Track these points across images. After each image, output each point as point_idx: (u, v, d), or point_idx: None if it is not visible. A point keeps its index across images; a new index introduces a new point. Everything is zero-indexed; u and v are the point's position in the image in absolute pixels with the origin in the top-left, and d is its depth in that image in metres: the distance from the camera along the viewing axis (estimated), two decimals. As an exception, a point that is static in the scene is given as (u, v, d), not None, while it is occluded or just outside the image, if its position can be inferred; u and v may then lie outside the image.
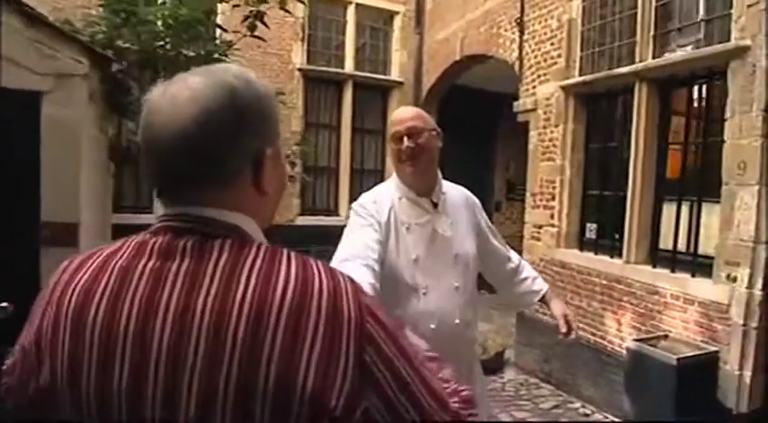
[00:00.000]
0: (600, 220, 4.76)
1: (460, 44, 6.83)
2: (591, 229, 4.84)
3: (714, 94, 3.75)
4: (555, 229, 5.04)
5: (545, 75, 5.17)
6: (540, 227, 5.25)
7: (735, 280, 3.41)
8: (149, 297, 0.64)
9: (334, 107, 7.90)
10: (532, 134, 5.41)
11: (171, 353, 0.61)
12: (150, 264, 0.66)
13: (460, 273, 1.81)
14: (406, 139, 1.75)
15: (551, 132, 5.11)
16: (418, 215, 1.80)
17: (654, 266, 4.08)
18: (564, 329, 1.97)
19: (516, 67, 5.62)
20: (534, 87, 5.34)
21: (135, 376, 0.62)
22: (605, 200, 4.69)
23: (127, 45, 3.59)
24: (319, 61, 7.76)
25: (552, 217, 5.09)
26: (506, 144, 8.66)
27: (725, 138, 3.51)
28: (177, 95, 0.68)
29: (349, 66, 7.84)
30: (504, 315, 7.36)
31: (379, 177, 8.12)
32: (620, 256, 4.35)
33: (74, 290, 0.68)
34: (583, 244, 4.84)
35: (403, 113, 1.84)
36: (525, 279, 2.08)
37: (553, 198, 5.08)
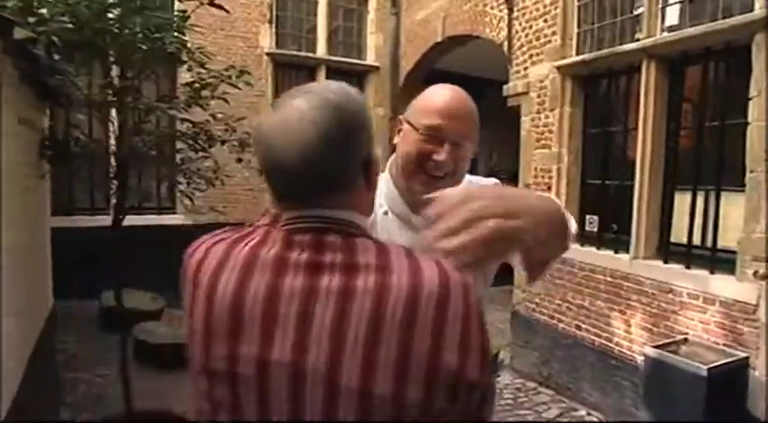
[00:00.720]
0: (602, 211, 4.40)
1: (442, 24, 6.37)
2: (591, 222, 4.48)
3: (733, 71, 3.40)
4: (552, 222, 4.66)
5: (538, 55, 4.77)
6: (535, 220, 4.87)
7: (764, 277, 3.07)
8: (306, 282, 0.73)
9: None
10: (524, 120, 5.01)
11: (333, 330, 0.69)
12: (281, 253, 0.76)
13: None
14: (446, 146, 1.12)
15: (546, 117, 4.72)
16: (406, 240, 1.11)
17: (665, 262, 3.73)
18: None
19: (505, 47, 5.20)
20: (526, 69, 4.93)
21: (297, 349, 0.70)
22: (607, 190, 4.33)
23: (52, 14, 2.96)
24: (289, 45, 7.21)
25: (548, 209, 4.71)
26: (489, 132, 8.23)
27: (749, 119, 3.17)
28: (289, 119, 0.76)
29: (321, 50, 7.31)
30: (492, 311, 7.03)
31: (357, 169, 7.67)
32: (626, 250, 3.99)
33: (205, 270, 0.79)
34: (583, 238, 4.47)
35: (452, 103, 1.17)
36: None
37: (549, 188, 4.70)
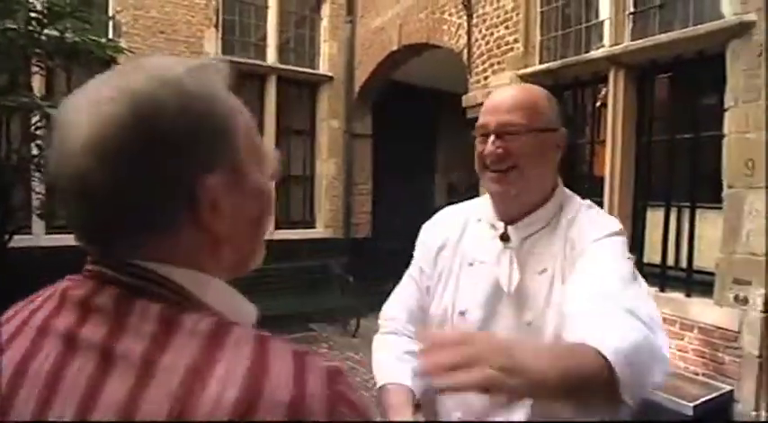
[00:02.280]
0: (568, 229, 4.14)
1: (398, 33, 6.09)
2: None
3: (707, 80, 3.20)
4: (515, 241, 4.39)
5: (499, 63, 4.52)
6: (498, 238, 4.58)
7: (745, 301, 2.85)
8: (55, 364, 0.48)
9: (256, 105, 6.91)
10: (485, 132, 4.74)
11: None
12: (64, 324, 0.50)
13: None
14: (493, 138, 1.10)
15: (508, 129, 4.46)
16: (486, 250, 1.17)
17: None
18: None
19: (464, 55, 4.94)
20: (486, 78, 4.67)
21: None
22: (575, 206, 4.07)
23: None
24: (238, 52, 6.77)
25: (512, 226, 4.43)
26: (448, 145, 8.04)
27: (725, 131, 2.96)
28: (69, 112, 0.51)
29: (272, 58, 6.90)
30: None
31: (308, 185, 7.24)
32: (596, 271, 3.73)
33: None
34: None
35: (499, 98, 1.15)
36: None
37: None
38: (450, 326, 1.19)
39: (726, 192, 2.94)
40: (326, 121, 7.24)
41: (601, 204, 3.67)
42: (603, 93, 3.80)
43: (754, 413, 2.81)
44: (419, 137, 7.89)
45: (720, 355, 2.96)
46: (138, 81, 0.50)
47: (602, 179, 3.70)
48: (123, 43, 5.20)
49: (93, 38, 4.02)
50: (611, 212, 3.59)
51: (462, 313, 1.17)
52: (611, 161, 3.59)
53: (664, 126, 3.53)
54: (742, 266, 2.86)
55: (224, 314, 0.53)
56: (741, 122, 2.86)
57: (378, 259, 7.50)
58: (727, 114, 2.95)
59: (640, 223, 3.57)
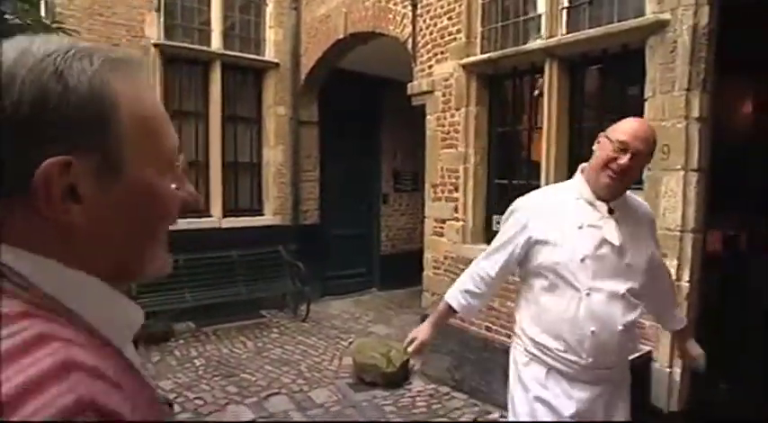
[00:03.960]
0: (509, 211, 4.40)
1: (344, 21, 6.16)
2: (498, 222, 4.46)
3: (630, 72, 3.49)
4: (460, 224, 4.61)
5: (443, 53, 4.70)
6: (444, 221, 4.80)
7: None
8: None
9: (201, 92, 6.82)
10: (430, 119, 4.93)
11: None
12: None
13: (629, 282, 1.82)
14: (626, 155, 1.75)
15: (452, 117, 4.66)
16: (592, 218, 1.83)
17: (572, 260, 3.78)
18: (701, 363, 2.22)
19: (409, 45, 5.09)
20: (431, 67, 4.85)
21: None
22: (515, 190, 4.33)
23: None
24: (180, 37, 6.63)
25: (456, 210, 4.65)
26: (393, 132, 8.20)
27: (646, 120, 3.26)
28: None
29: (216, 43, 6.80)
30: (400, 314, 6.94)
31: (256, 171, 7.23)
32: (533, 249, 4.01)
33: None
34: (491, 239, 4.45)
35: (639, 128, 1.81)
36: (674, 304, 2.29)
37: (456, 189, 4.65)
38: (576, 267, 1.78)
39: (645, 174, 3.24)
40: (273, 108, 7.23)
41: (538, 187, 3.94)
42: (540, 83, 4.06)
43: (668, 370, 3.16)
44: (365, 124, 8.01)
45: (642, 320, 3.28)
46: (6, 55, 0.51)
47: (539, 164, 3.96)
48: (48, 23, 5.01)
49: (36, 20, 3.88)
50: (546, 194, 3.88)
51: (582, 260, 1.78)
52: (548, 147, 3.86)
53: (594, 114, 3.83)
54: (660, 241, 3.17)
55: (84, 313, 0.52)
56: (658, 111, 3.17)
57: (326, 245, 7.61)
58: (646, 104, 3.24)
59: (573, 204, 3.86)
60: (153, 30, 6.26)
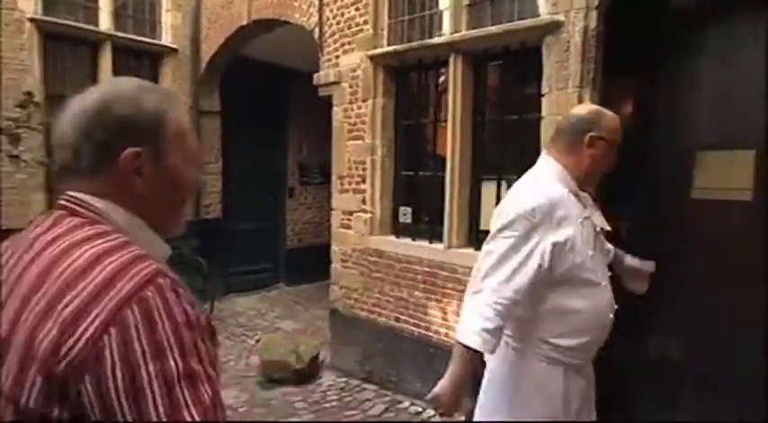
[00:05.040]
0: (416, 202, 4.47)
1: (248, 7, 5.92)
2: (405, 214, 4.53)
3: (529, 69, 3.65)
4: (368, 215, 4.62)
5: (350, 43, 4.66)
6: (351, 213, 4.77)
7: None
8: (18, 263, 0.79)
9: (89, 77, 6.25)
10: (336, 110, 4.87)
11: (22, 299, 0.74)
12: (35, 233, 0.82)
13: (606, 265, 1.94)
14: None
15: (359, 108, 4.64)
16: (582, 210, 1.82)
17: (477, 249, 3.90)
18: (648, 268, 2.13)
19: (316, 34, 4.99)
20: (338, 58, 4.79)
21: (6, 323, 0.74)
22: (421, 181, 4.41)
23: None
24: (62, 13, 6.02)
25: (364, 202, 4.65)
26: (298, 124, 8.03)
27: (543, 114, 3.43)
28: (71, 102, 0.88)
29: (105, 23, 6.26)
30: (308, 308, 6.84)
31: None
32: (440, 240, 4.10)
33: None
34: (399, 230, 4.50)
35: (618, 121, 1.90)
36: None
37: (363, 181, 4.64)
38: (591, 263, 1.78)
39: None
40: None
41: (443, 179, 4.04)
42: (444, 77, 4.14)
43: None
44: (270, 115, 7.77)
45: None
46: (105, 91, 0.87)
47: (444, 157, 4.05)
48: None
49: None
50: (452, 186, 3.98)
51: (592, 254, 1.79)
52: (452, 140, 3.95)
53: (495, 108, 3.97)
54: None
55: (137, 241, 0.81)
56: (554, 107, 3.34)
57: (229, 240, 7.32)
58: (543, 99, 3.41)
59: (477, 195, 3.99)
60: (28, 3, 5.64)
